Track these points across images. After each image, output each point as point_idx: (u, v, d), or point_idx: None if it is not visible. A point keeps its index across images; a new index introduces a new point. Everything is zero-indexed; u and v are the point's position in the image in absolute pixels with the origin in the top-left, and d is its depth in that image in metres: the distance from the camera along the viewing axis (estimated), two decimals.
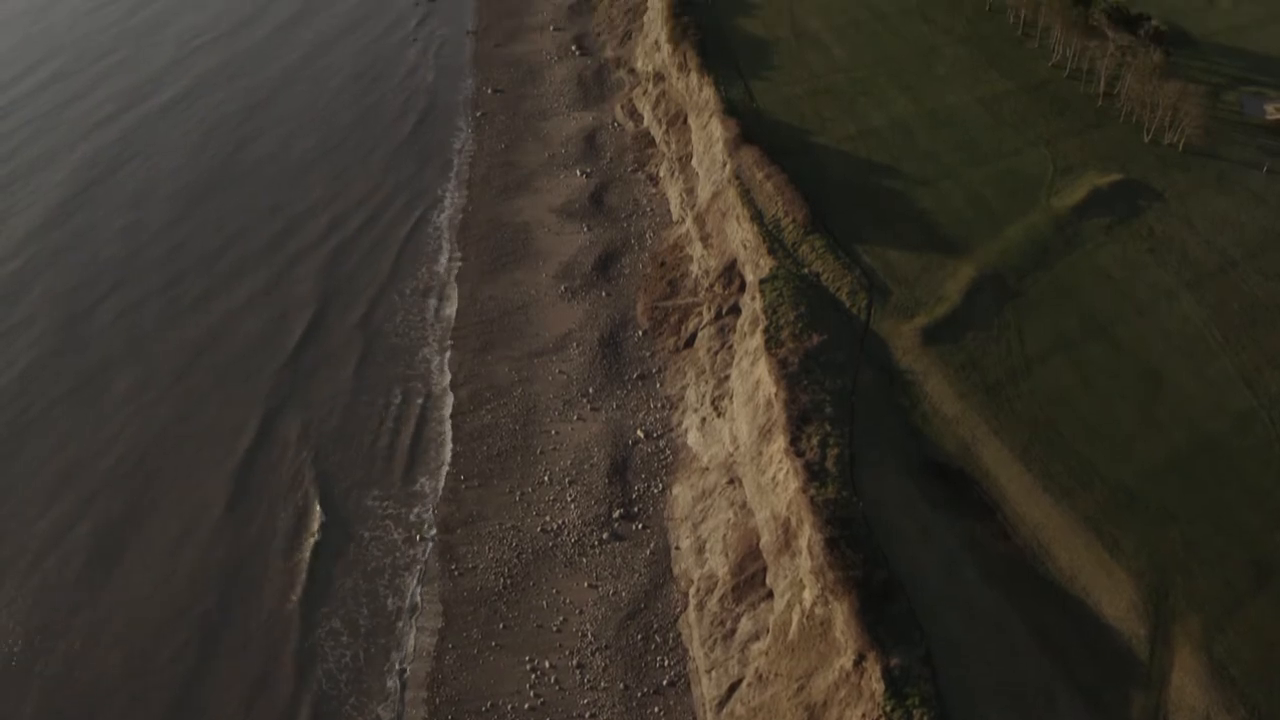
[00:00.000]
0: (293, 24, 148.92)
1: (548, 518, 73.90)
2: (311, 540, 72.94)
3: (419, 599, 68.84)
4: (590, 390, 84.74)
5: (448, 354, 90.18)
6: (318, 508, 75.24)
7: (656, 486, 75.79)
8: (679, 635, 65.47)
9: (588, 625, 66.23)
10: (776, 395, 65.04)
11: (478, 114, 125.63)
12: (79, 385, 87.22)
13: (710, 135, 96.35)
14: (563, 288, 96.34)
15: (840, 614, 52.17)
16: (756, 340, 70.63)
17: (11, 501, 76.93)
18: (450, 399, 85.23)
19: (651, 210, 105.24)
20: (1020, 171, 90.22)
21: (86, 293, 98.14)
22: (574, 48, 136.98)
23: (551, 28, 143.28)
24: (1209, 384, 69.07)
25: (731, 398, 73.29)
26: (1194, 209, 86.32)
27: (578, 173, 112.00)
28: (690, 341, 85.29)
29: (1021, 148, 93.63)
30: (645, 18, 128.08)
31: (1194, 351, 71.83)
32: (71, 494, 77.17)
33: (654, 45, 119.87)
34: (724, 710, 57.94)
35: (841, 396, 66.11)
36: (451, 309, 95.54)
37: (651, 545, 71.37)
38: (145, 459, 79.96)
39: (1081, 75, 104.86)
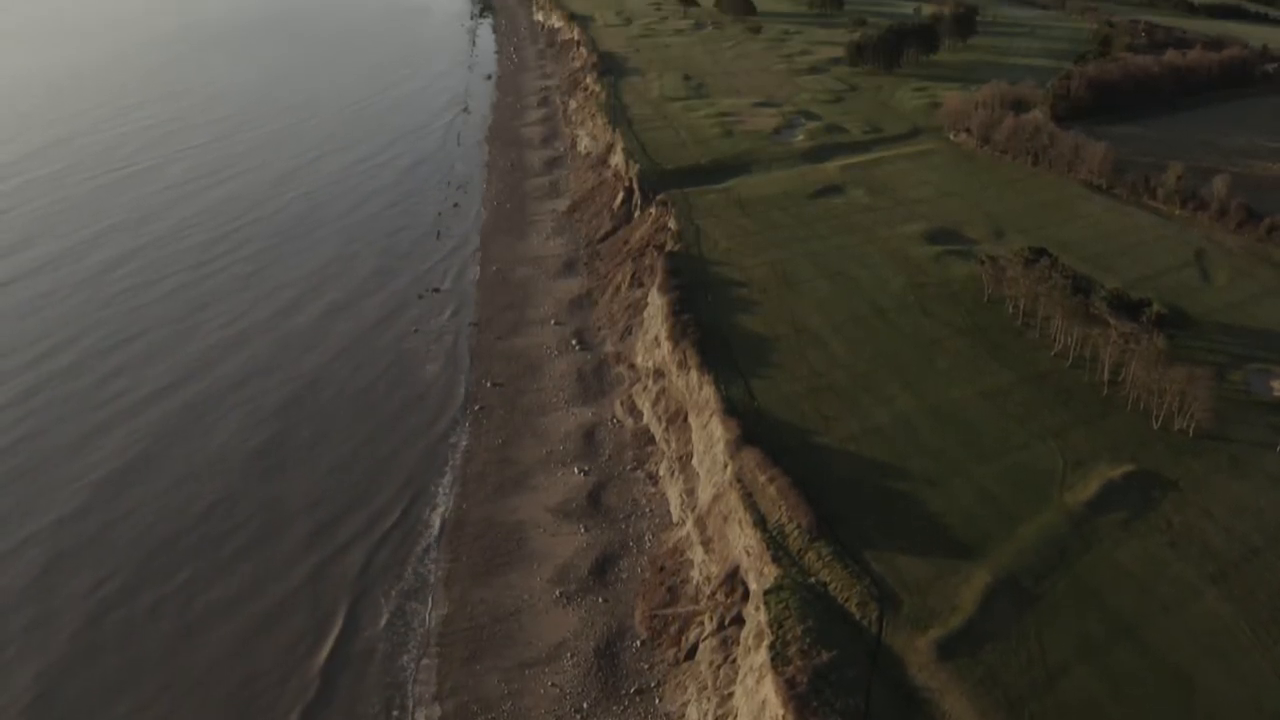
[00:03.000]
0: (314, 324, 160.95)
1: None
2: None
3: None
4: (584, 706, 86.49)
5: (434, 663, 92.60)
6: None
7: None
8: None
9: None
10: (785, 719, 67.25)
11: (476, 408, 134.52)
12: (84, 698, 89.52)
13: (711, 435, 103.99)
14: (557, 593, 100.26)
15: None
16: (761, 656, 73.70)
17: None
18: (438, 712, 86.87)
19: (651, 511, 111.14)
20: (1030, 466, 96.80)
21: (103, 593, 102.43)
22: (574, 342, 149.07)
23: (552, 321, 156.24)
24: (1242, 683, 72.35)
25: (736, 717, 75.12)
26: (1210, 497, 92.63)
27: (575, 470, 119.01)
28: (691, 653, 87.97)
29: (1029, 441, 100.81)
30: (645, 314, 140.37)
31: (1224, 649, 75.47)
32: None
33: (654, 342, 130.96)
34: None
35: (854, 718, 68.23)
36: (440, 613, 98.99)
37: None
38: None
39: (1085, 364, 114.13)
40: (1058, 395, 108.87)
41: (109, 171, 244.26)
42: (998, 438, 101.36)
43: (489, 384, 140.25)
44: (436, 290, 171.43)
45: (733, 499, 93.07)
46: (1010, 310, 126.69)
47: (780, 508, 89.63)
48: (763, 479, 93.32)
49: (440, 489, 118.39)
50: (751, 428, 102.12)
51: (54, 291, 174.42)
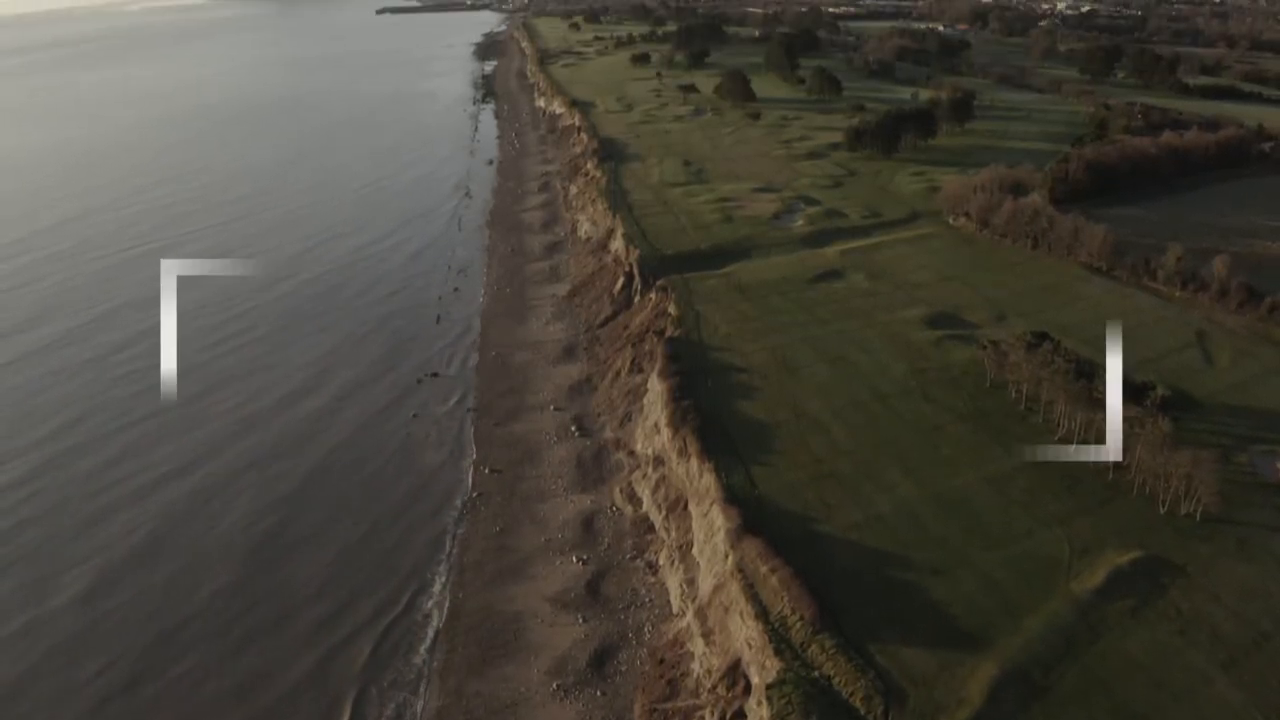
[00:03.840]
0: (320, 408, 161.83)
1: None
2: None
3: None
4: None
5: None
6: None
7: None
8: None
9: None
10: None
11: (474, 495, 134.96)
12: None
13: (711, 524, 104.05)
14: (555, 685, 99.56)
15: None
16: None
17: None
18: None
19: (650, 601, 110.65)
20: (1035, 554, 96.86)
21: (105, 681, 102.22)
22: (573, 428, 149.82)
23: (551, 407, 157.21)
24: None
25: None
26: (1219, 581, 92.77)
27: (574, 559, 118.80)
28: None
29: (1034, 528, 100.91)
30: (645, 400, 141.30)
31: None
32: None
33: (654, 428, 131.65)
34: None
35: None
36: (435, 706, 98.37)
37: None
38: None
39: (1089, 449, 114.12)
40: (1062, 481, 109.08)
41: (122, 250, 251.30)
42: (1002, 525, 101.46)
43: (487, 470, 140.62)
44: (435, 375, 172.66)
45: (734, 590, 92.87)
46: (1013, 395, 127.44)
47: (783, 599, 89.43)
48: (764, 569, 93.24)
49: (437, 577, 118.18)
50: (753, 516, 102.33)
51: (62, 370, 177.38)
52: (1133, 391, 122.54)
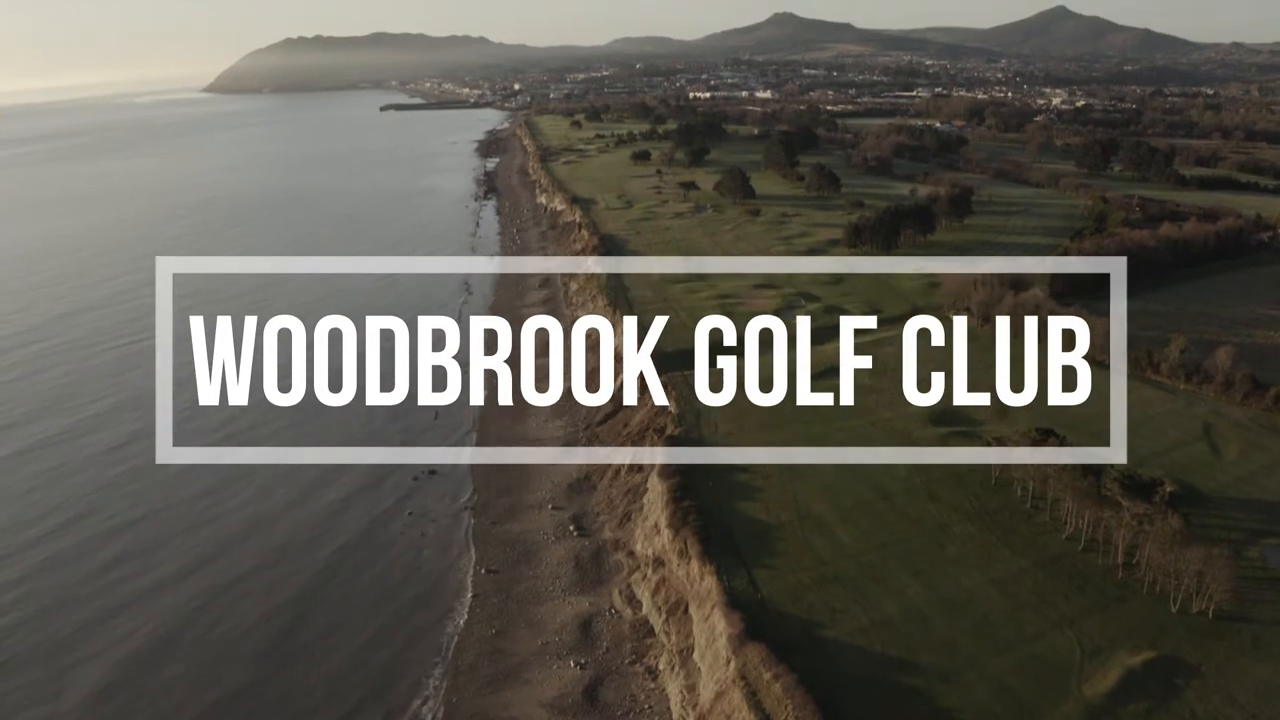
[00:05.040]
0: (325, 509, 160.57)
1: None
2: None
3: None
4: None
5: None
6: None
7: None
8: None
9: None
10: None
11: (469, 596, 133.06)
12: None
13: (713, 629, 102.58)
14: None
15: None
16: None
17: None
18: None
19: (650, 708, 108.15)
20: (1046, 657, 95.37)
21: None
22: (572, 528, 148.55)
23: (550, 506, 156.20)
24: None
25: None
26: (1234, 681, 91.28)
27: (571, 663, 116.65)
28: None
29: (1044, 630, 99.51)
30: (645, 499, 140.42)
31: None
32: None
33: (654, 529, 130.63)
34: None
35: None
36: None
37: None
38: None
39: (1098, 547, 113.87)
40: (1071, 580, 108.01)
41: (127, 343, 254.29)
42: (1012, 628, 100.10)
43: (483, 570, 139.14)
44: (433, 473, 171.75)
45: (736, 697, 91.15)
46: (1019, 493, 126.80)
47: (786, 707, 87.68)
48: (768, 676, 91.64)
49: (430, 679, 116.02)
50: (755, 621, 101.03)
51: (62, 466, 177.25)
52: (1141, 487, 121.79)
